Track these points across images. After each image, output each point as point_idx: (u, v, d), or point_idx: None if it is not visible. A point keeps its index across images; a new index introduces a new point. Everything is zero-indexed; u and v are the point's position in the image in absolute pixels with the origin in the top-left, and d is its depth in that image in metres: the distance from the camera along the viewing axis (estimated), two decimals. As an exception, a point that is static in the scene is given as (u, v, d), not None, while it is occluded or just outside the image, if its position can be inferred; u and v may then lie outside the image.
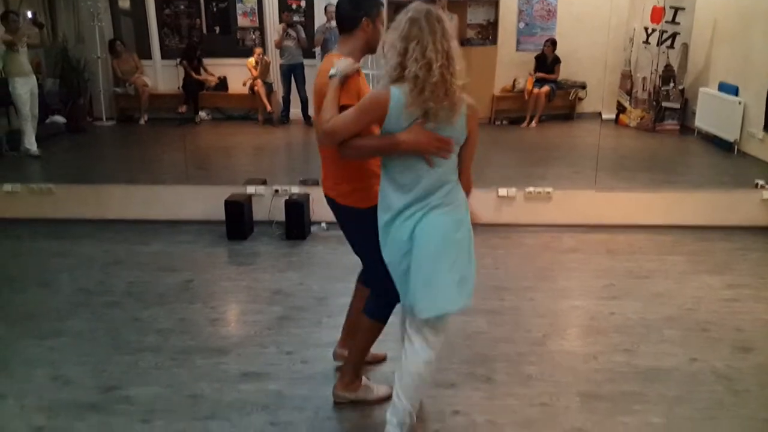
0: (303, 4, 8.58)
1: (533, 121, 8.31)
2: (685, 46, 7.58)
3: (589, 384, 3.04)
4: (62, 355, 3.32)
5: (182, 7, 8.57)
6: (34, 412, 2.85)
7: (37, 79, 7.19)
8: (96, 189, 5.50)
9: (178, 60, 8.24)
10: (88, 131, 8.13)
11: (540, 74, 8.44)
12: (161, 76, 8.85)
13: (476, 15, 8.80)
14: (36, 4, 8.53)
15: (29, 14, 7.73)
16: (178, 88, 8.25)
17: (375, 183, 2.54)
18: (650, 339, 3.45)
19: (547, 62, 8.49)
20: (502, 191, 5.20)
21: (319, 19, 8.14)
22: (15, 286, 4.16)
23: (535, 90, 8.37)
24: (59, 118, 8.03)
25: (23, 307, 3.85)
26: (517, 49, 8.83)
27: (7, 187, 5.43)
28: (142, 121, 8.37)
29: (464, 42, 8.62)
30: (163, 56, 8.92)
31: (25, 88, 6.76)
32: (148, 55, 8.91)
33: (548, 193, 5.20)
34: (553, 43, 8.43)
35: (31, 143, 6.82)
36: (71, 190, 5.49)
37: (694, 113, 7.50)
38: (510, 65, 8.69)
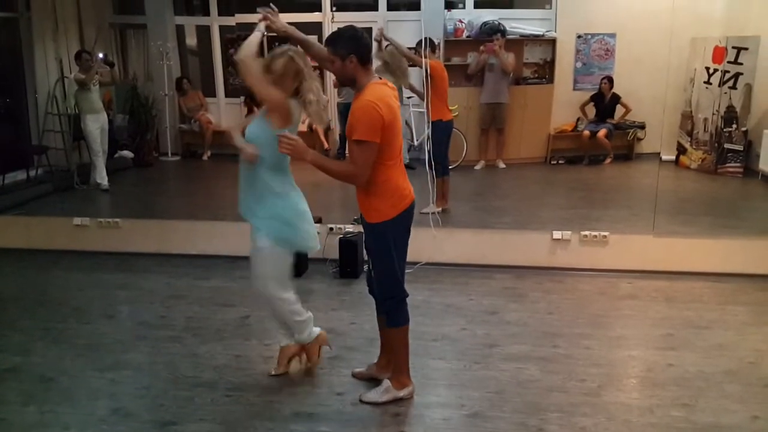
0: (361, 44, 8.78)
1: (607, 160, 8.33)
2: (749, 87, 7.42)
3: (644, 439, 2.97)
4: (123, 387, 3.44)
5: (246, 47, 8.88)
6: (95, 444, 2.96)
7: (108, 115, 7.55)
8: (160, 224, 5.73)
9: (244, 98, 8.52)
10: (155, 166, 8.49)
11: (596, 118, 8.47)
12: (224, 113, 9.18)
13: (533, 54, 8.85)
14: (109, 44, 9.02)
15: (100, 54, 8.14)
16: (240, 125, 8.52)
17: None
18: (709, 393, 3.34)
19: (604, 101, 8.43)
20: (557, 234, 5.16)
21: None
22: (81, 317, 4.35)
23: (585, 132, 8.32)
24: (127, 153, 8.41)
25: (88, 338, 4.02)
26: (574, 89, 8.84)
27: (77, 220, 5.71)
28: (204, 157, 8.67)
29: (520, 80, 8.67)
30: (227, 95, 9.28)
31: (95, 125, 7.09)
32: (212, 93, 9.29)
33: (604, 236, 5.13)
34: (610, 80, 8.40)
35: (102, 177, 7.14)
36: (137, 224, 5.72)
37: (758, 156, 7.31)
38: (567, 104, 8.69)
